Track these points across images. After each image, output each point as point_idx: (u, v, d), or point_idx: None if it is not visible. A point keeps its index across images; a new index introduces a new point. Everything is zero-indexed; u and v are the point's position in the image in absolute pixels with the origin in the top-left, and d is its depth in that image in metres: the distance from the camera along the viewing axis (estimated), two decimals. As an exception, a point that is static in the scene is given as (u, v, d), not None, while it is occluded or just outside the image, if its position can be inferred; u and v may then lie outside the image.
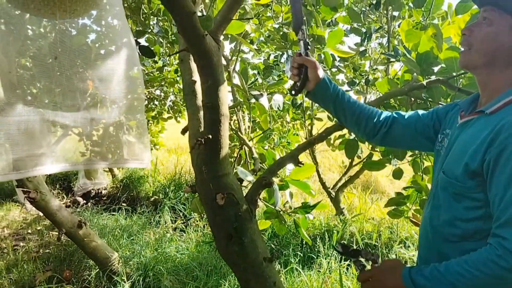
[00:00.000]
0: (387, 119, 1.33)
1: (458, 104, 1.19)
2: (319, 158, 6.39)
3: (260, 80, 3.01)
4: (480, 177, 0.95)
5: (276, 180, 2.20)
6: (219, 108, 1.52)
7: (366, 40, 3.31)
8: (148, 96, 5.44)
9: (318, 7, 2.55)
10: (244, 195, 1.66)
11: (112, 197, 5.57)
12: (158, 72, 4.64)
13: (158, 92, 5.61)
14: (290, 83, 2.52)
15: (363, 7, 3.97)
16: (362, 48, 3.62)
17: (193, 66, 1.82)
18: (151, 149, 6.45)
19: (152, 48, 2.84)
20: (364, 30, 3.41)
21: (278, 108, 2.53)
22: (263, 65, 3.34)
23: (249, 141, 2.60)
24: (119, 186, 5.83)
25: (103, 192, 5.89)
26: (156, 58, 4.23)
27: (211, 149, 1.56)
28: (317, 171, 4.53)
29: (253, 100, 2.28)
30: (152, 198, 5.48)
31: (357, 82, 3.49)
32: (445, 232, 1.05)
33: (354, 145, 2.22)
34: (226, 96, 1.55)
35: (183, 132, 1.81)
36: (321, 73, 1.32)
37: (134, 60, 1.13)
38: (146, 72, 4.48)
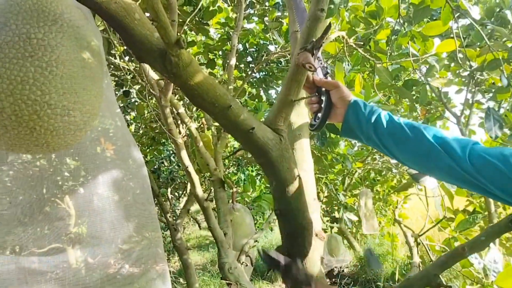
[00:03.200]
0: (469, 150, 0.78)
1: None
2: None
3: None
4: None
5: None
6: (291, 216, 1.14)
7: None
8: (384, 166, 5.21)
9: None
10: None
11: (352, 277, 5.23)
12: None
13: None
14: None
15: None
16: None
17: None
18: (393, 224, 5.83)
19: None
20: None
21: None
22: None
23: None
24: (358, 264, 5.46)
25: (345, 270, 5.62)
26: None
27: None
28: None
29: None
30: (390, 281, 4.83)
31: None
32: None
33: None
34: (301, 199, 1.15)
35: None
36: (349, 95, 0.97)
37: (140, 175, 0.96)
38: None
